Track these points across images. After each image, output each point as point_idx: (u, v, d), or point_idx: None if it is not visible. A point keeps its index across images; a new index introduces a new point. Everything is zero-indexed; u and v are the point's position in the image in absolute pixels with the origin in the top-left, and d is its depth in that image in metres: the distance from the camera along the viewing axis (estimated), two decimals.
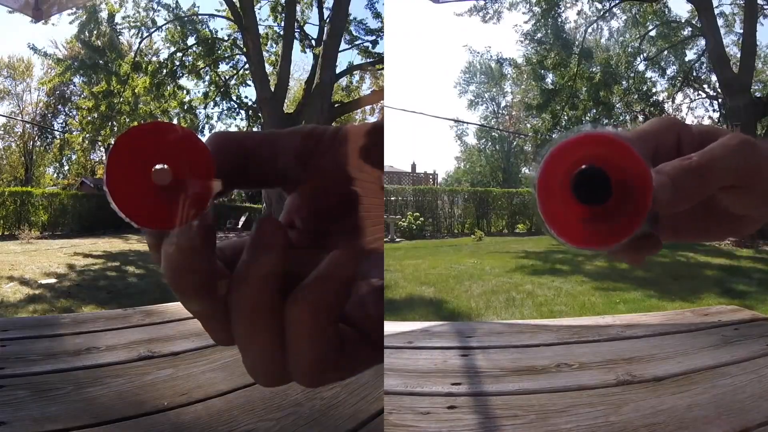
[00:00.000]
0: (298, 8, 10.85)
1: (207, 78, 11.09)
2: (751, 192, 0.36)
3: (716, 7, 10.42)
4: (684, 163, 0.34)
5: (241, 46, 10.65)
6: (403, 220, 11.24)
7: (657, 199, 0.34)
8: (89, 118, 10.45)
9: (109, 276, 6.29)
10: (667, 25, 11.77)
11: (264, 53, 10.42)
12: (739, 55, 10.01)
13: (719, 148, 0.35)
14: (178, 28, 10.72)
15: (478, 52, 16.26)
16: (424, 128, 29.19)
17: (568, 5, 11.97)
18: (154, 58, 11.23)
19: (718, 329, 1.19)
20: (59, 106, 14.11)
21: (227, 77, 11.25)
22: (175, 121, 10.57)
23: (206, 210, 0.26)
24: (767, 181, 0.36)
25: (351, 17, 10.67)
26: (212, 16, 10.96)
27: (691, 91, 12.37)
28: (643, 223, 0.34)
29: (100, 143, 11.70)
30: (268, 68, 10.51)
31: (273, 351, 0.27)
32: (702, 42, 11.18)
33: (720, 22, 10.41)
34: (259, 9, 10.54)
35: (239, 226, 11.23)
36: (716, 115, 12.10)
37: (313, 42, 11.15)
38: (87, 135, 10.76)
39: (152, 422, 0.79)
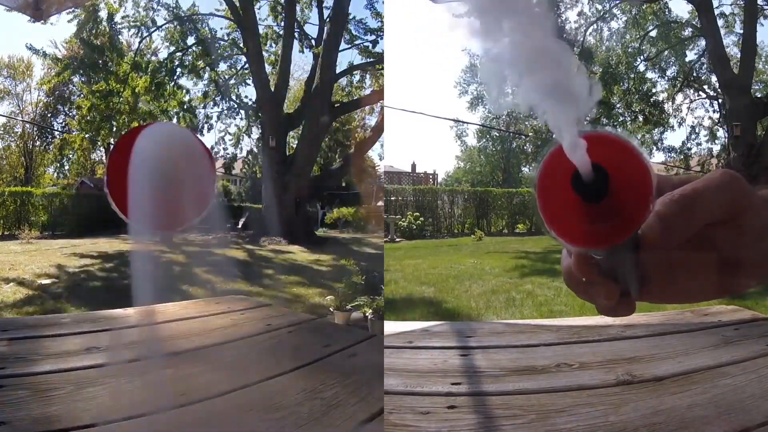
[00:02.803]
0: (297, 8, 10.84)
1: (206, 77, 11.08)
2: (740, 227, 0.36)
3: (716, 7, 10.40)
4: (667, 198, 0.35)
5: (241, 45, 10.64)
6: (403, 220, 11.23)
7: (645, 236, 0.34)
8: (88, 118, 10.43)
9: (109, 276, 6.28)
10: (667, 25, 11.75)
11: (264, 53, 10.42)
12: (739, 56, 10.00)
13: (702, 182, 0.36)
14: (178, 27, 10.71)
15: (478, 55, 16.17)
16: (424, 128, 29.10)
17: (569, 6, 11.96)
18: (154, 58, 11.21)
19: (718, 329, 1.19)
20: (59, 106, 14.07)
21: (227, 77, 11.23)
22: (174, 121, 10.58)
23: (207, 211, 0.26)
24: (757, 217, 0.36)
25: (351, 17, 10.66)
26: (212, 15, 10.93)
27: (691, 91, 12.33)
28: (644, 222, 0.34)
29: (99, 143, 11.68)
30: (268, 68, 10.50)
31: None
32: (702, 42, 11.16)
33: (720, 22, 10.39)
34: (259, 8, 10.53)
35: (239, 227, 11.20)
36: (716, 115, 12.08)
37: (313, 42, 11.13)
38: (86, 135, 10.73)
39: (152, 422, 0.79)
